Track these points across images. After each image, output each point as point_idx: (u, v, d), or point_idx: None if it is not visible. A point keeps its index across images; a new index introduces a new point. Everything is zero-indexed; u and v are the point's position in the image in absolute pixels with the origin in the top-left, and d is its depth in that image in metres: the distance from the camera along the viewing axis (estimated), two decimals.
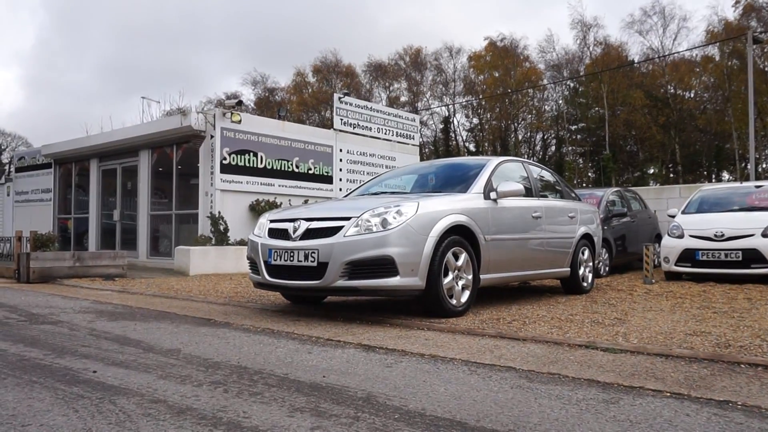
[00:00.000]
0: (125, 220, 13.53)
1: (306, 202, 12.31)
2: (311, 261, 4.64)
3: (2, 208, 18.13)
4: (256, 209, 11.75)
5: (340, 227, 4.67)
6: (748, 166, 38.43)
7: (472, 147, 46.62)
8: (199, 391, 2.63)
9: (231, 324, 4.69)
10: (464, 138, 47.70)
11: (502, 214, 5.62)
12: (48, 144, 15.31)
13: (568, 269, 6.82)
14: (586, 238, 7.21)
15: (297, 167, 12.69)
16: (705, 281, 8.37)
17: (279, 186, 12.30)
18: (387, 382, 2.79)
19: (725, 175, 40.43)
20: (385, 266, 4.52)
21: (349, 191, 6.65)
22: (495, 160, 6.10)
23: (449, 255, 4.87)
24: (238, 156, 11.60)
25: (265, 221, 5.36)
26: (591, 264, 7.30)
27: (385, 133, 15.01)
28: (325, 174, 13.34)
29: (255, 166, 11.89)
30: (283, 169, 12.39)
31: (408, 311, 5.12)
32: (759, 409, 2.36)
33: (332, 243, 4.59)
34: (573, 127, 42.66)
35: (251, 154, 11.83)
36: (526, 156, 46.97)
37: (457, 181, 6.02)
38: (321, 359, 3.32)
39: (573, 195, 7.50)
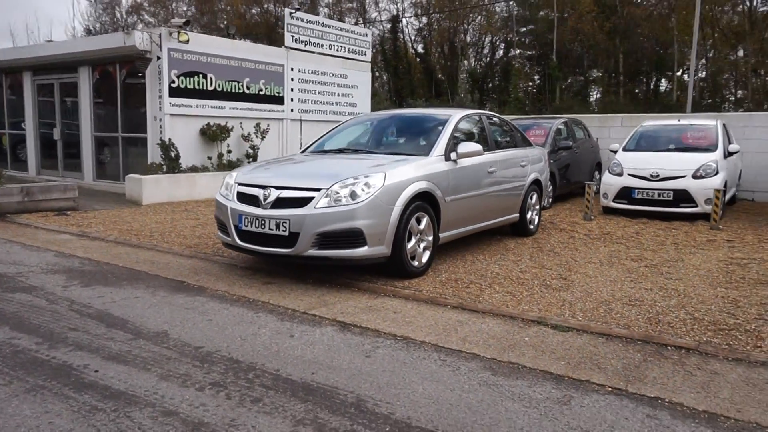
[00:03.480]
0: (67, 139, 13.02)
1: (258, 125, 12.19)
2: (282, 230, 4.84)
3: None
4: (207, 133, 11.56)
5: (311, 198, 4.84)
6: (685, 76, 39.64)
7: (420, 48, 45.71)
8: (204, 397, 2.91)
9: (205, 289, 4.91)
10: (412, 39, 46.59)
11: (461, 174, 5.90)
12: None
13: (518, 215, 7.27)
14: (536, 183, 7.62)
15: (248, 88, 12.37)
16: (638, 217, 9.07)
17: (230, 109, 12.03)
18: (371, 380, 3.15)
19: (663, 83, 41.60)
20: (354, 237, 4.79)
21: (306, 145, 6.69)
22: (455, 117, 6.27)
23: (413, 220, 5.17)
24: (187, 78, 11.19)
25: (232, 182, 5.44)
26: (538, 207, 7.77)
27: (337, 50, 14.65)
28: (277, 95, 13.08)
29: (205, 88, 11.53)
30: (233, 90, 12.07)
31: (372, 271, 5.44)
32: (682, 407, 2.87)
33: (303, 214, 4.78)
34: (522, 29, 42.21)
35: (200, 75, 11.42)
36: (473, 60, 46.57)
37: (416, 138, 6.20)
38: (304, 345, 3.64)
39: (524, 140, 7.81)
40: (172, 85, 10.95)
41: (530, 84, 41.82)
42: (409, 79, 43.87)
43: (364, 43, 15.62)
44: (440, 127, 6.07)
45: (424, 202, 5.32)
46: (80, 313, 4.26)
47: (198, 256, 6.16)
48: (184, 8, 52.14)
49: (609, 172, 9.54)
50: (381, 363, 3.38)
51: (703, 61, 36.50)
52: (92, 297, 4.65)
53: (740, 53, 37.62)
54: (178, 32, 10.90)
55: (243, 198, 5.22)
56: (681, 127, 10.11)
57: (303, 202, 4.86)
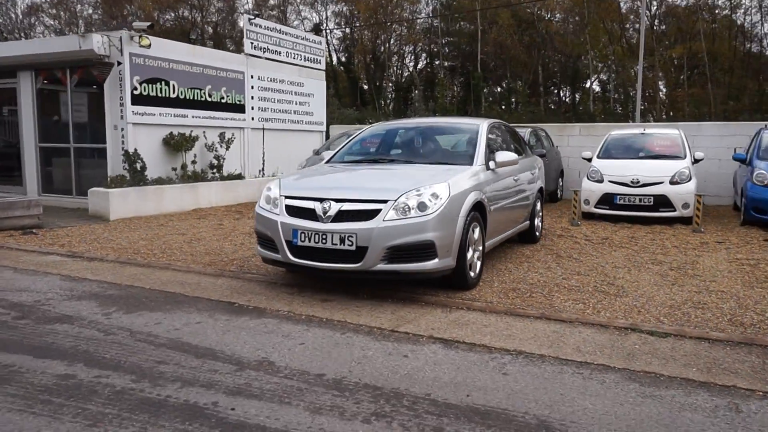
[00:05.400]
0: (4, 150, 11.83)
1: (222, 134, 11.67)
2: (348, 245, 4.60)
3: None
4: (170, 143, 10.91)
5: (377, 210, 4.64)
6: (595, 87, 42.05)
7: (343, 58, 45.71)
8: (382, 431, 2.67)
9: (264, 310, 4.57)
10: (336, 48, 46.52)
11: (498, 183, 5.89)
12: None
13: (528, 222, 7.36)
14: (540, 191, 7.77)
15: (210, 96, 11.80)
16: (619, 221, 9.46)
17: (192, 117, 11.42)
18: (532, 398, 3.02)
19: (576, 96, 43.96)
20: (425, 250, 4.63)
21: (331, 154, 6.40)
22: (483, 126, 6.25)
23: (470, 231, 5.09)
24: (149, 85, 10.51)
25: (276, 195, 5.11)
26: (541, 214, 7.92)
27: (294, 58, 14.32)
28: (238, 103, 12.56)
29: (167, 96, 10.87)
30: (196, 98, 11.47)
31: (422, 283, 5.27)
32: None
33: (371, 228, 4.57)
34: (444, 41, 43.20)
35: (163, 82, 10.76)
36: (395, 69, 47.16)
37: (451, 147, 6.14)
38: (430, 366, 3.45)
39: (530, 148, 7.94)
40: (135, 92, 10.24)
41: (453, 94, 42.90)
42: (334, 88, 43.71)
43: (319, 51, 15.38)
44: (473, 136, 6.04)
45: (477, 211, 5.26)
46: (151, 343, 3.82)
47: (225, 274, 5.74)
48: (90, 11, 49.41)
49: (588, 179, 9.89)
50: (525, 380, 3.26)
51: (613, 75, 38.94)
52: (148, 324, 4.20)
53: (638, 68, 40.54)
54: (140, 36, 10.22)
55: (295, 212, 4.91)
56: (648, 136, 10.67)
57: (369, 214, 4.64)
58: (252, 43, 12.94)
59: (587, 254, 6.91)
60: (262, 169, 13.23)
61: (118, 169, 10.24)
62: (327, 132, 16.12)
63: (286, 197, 5.04)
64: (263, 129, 13.18)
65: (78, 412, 2.84)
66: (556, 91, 46.46)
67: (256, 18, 13.15)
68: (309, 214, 4.82)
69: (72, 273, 5.75)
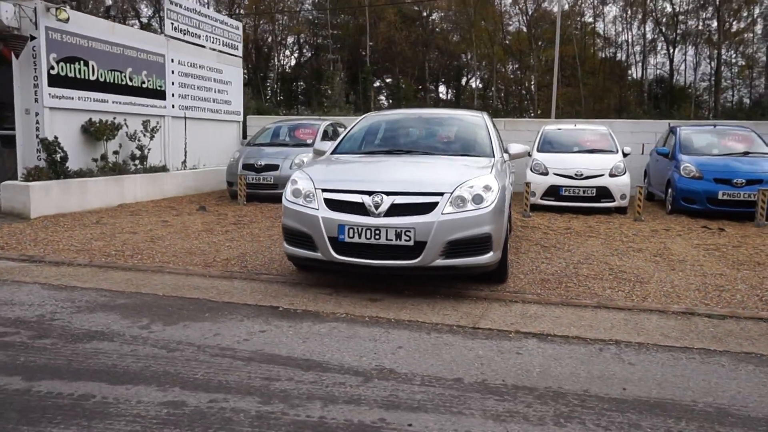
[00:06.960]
0: None
1: (146, 123, 10.66)
2: (405, 240, 4.37)
3: None
4: (90, 131, 9.74)
5: (434, 203, 4.45)
6: (472, 83, 44.11)
7: None
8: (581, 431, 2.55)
9: (320, 314, 4.21)
10: None
11: (508, 173, 5.92)
12: None
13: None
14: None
15: (131, 80, 10.67)
16: (563, 212, 9.96)
17: (113, 103, 10.27)
18: (683, 386, 3.05)
19: (451, 91, 45.78)
20: (482, 244, 4.52)
21: (334, 145, 5.98)
22: (486, 118, 6.25)
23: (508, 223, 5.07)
24: (68, 65, 9.28)
25: (309, 188, 4.70)
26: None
27: (213, 42, 13.40)
28: (158, 88, 11.50)
29: (87, 77, 9.68)
30: (116, 82, 10.32)
31: (459, 278, 5.14)
32: None
33: (431, 222, 4.37)
34: (329, 32, 42.84)
35: (82, 62, 9.56)
36: (279, 60, 46.00)
37: (463, 139, 6.05)
38: (552, 362, 3.36)
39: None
40: (51, 71, 8.99)
41: (342, 86, 42.71)
42: None
43: (237, 36, 14.53)
44: (482, 128, 6.01)
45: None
46: (234, 357, 3.35)
47: (235, 276, 5.22)
48: None
49: (532, 171, 10.29)
50: (657, 369, 3.29)
51: (492, 73, 41.03)
52: (207, 336, 3.68)
53: (513, 66, 43.25)
54: (57, 8, 8.98)
55: (338, 206, 4.55)
56: (580, 132, 11.34)
57: (426, 208, 4.43)
58: (172, 23, 11.90)
59: (567, 243, 7.17)
60: (185, 161, 12.25)
61: (32, 159, 8.94)
62: (244, 122, 15.32)
63: (324, 190, 4.67)
64: (185, 117, 12.20)
65: None
66: (434, 87, 48.06)
67: None
68: (356, 209, 4.50)
69: (51, 281, 4.91)
